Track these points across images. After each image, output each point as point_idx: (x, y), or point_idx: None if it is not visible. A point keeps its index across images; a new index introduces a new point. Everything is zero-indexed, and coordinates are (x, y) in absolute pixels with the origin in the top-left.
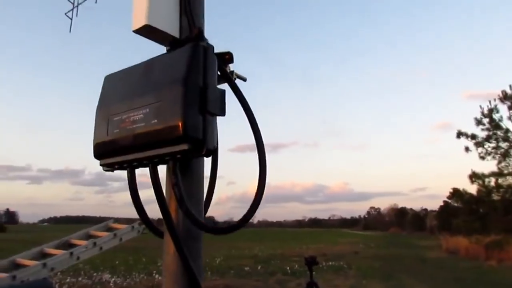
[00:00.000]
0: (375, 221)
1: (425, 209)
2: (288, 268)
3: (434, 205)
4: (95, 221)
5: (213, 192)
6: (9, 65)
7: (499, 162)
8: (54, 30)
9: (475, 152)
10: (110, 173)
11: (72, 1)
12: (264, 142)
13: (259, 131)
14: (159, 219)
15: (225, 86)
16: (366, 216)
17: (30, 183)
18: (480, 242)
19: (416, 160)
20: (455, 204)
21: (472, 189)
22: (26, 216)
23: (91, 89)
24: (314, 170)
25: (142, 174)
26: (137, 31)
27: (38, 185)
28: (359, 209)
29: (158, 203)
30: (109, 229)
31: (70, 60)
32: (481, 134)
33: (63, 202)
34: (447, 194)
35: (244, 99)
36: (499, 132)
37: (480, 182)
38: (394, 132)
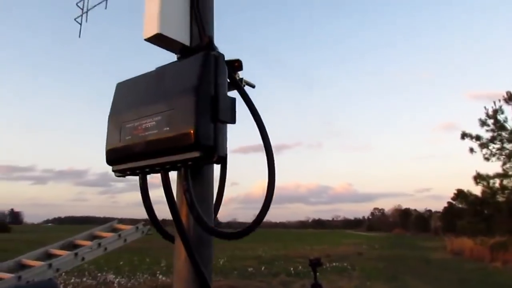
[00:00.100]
0: (379, 222)
1: (429, 210)
2: (292, 269)
3: (438, 206)
4: (99, 222)
5: (222, 196)
6: (10, 65)
7: (504, 164)
8: (59, 31)
9: (479, 153)
10: (113, 174)
11: (81, 7)
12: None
13: (267, 136)
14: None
15: (234, 93)
16: (370, 217)
17: (34, 183)
18: (485, 243)
19: (420, 161)
20: (460, 205)
21: (477, 190)
22: (31, 216)
23: (93, 90)
24: (317, 171)
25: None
26: (149, 40)
27: (42, 186)
28: (363, 210)
29: (170, 209)
30: (114, 230)
31: (72, 60)
32: (486, 135)
33: (67, 202)
34: (452, 195)
35: (253, 105)
36: (503, 133)
37: (485, 183)
38: (398, 132)
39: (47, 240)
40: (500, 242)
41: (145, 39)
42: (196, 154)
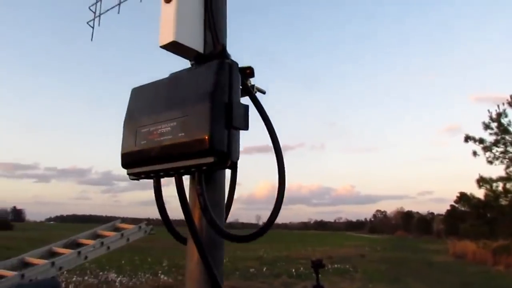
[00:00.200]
0: (381, 224)
1: (432, 213)
2: (293, 270)
3: (440, 208)
4: (101, 220)
5: (232, 200)
6: (10, 65)
7: (507, 167)
8: (61, 32)
9: (482, 156)
10: (116, 172)
11: (93, 11)
12: (272, 145)
13: (278, 142)
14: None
15: (245, 99)
16: (372, 219)
17: (37, 181)
18: (487, 246)
19: (423, 163)
20: (462, 208)
21: (480, 193)
22: (33, 214)
23: (96, 90)
24: (320, 173)
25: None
26: (164, 47)
27: (45, 184)
28: (365, 212)
29: (183, 211)
30: (116, 229)
31: (74, 61)
32: (489, 138)
33: (69, 201)
34: (454, 198)
35: (264, 111)
36: (507, 137)
37: (488, 186)
38: (401, 135)
39: (49, 238)
40: (503, 246)
41: (161, 46)
42: (210, 159)
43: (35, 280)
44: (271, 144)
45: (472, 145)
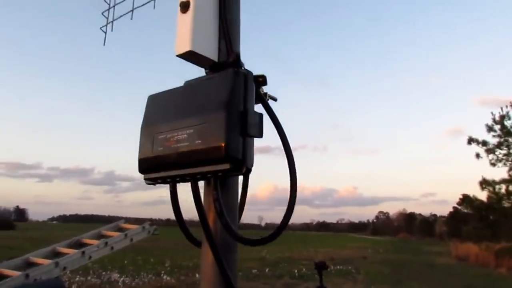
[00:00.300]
0: (383, 226)
1: (434, 215)
2: (296, 271)
3: (443, 210)
4: (104, 221)
5: (244, 205)
6: (12, 65)
7: (510, 169)
8: (64, 32)
9: (485, 158)
10: (119, 172)
11: (106, 16)
12: (274, 146)
13: (290, 149)
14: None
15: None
16: (374, 220)
17: (40, 181)
18: (490, 249)
19: (426, 165)
20: (465, 211)
21: (482, 195)
22: (36, 214)
23: (100, 91)
24: (323, 174)
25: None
26: (180, 56)
27: (48, 183)
28: (367, 214)
29: (199, 216)
30: (120, 229)
31: (79, 62)
32: (492, 140)
33: (72, 200)
34: (457, 200)
35: (277, 118)
36: (510, 139)
37: (491, 188)
38: (404, 136)
39: (51, 237)
40: (506, 248)
41: (177, 55)
42: (226, 166)
43: (39, 280)
44: (283, 151)
45: (475, 147)
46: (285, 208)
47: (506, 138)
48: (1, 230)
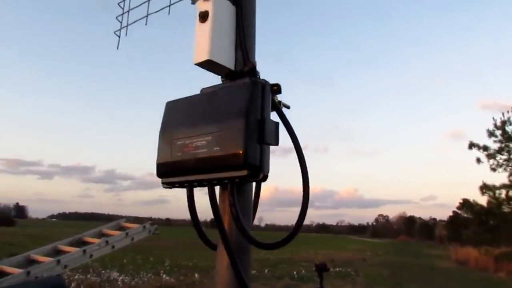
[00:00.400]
0: (383, 228)
1: (434, 219)
2: (295, 272)
3: (443, 214)
4: (104, 219)
5: (256, 210)
6: (14, 65)
7: (511, 175)
8: (67, 33)
9: (486, 163)
10: (120, 171)
11: (120, 21)
12: (274, 147)
13: (303, 156)
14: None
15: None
16: (374, 223)
17: (41, 178)
18: (489, 253)
19: (426, 169)
20: (465, 215)
21: (483, 200)
22: (36, 211)
23: (103, 91)
24: (323, 176)
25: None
26: (199, 64)
27: (49, 181)
28: (367, 216)
29: (215, 219)
30: (121, 228)
31: (79, 61)
32: (493, 145)
33: (72, 198)
34: (457, 204)
35: (290, 126)
36: (511, 145)
37: (491, 193)
38: (406, 139)
39: (51, 235)
40: (505, 253)
41: (195, 64)
42: (244, 172)
43: (40, 277)
44: (297, 157)
45: (476, 152)
46: (285, 209)
47: (507, 143)
48: (1, 227)
